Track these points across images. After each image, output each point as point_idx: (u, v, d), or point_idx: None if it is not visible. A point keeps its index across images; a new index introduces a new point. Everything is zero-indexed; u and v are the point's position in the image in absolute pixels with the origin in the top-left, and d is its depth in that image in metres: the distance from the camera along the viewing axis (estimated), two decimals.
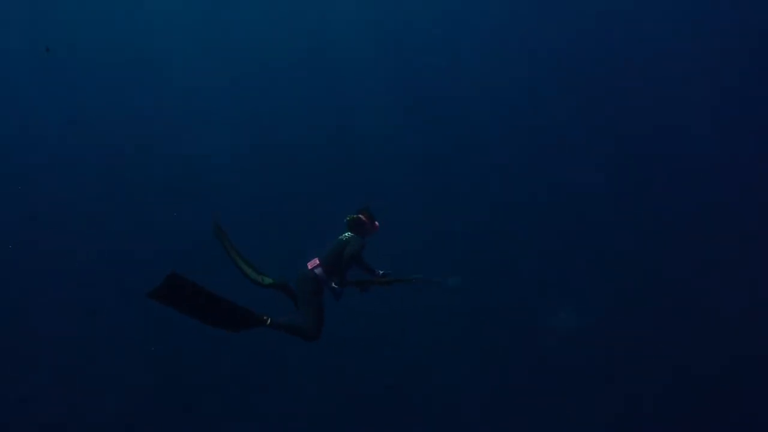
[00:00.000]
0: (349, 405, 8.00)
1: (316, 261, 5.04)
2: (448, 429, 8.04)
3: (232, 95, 10.36)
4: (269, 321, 4.73)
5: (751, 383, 7.97)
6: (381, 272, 5.18)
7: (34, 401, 7.69)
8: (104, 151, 9.63)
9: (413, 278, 5.26)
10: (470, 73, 10.49)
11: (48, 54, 9.60)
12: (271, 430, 7.86)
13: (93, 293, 8.51)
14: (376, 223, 5.36)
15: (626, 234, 9.20)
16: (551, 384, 8.14)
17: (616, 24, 10.52)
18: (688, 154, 9.64)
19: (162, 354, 8.12)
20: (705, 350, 8.18)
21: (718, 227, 9.08)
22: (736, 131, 9.76)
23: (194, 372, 7.92)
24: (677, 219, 9.24)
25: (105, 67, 10.12)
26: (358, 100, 10.29)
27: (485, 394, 8.12)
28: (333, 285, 5.01)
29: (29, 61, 9.71)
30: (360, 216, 5.25)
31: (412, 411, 8.11)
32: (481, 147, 10.00)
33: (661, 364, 8.27)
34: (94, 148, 9.58)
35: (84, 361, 8.01)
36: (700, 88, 9.86)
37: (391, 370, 8.31)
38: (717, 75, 9.98)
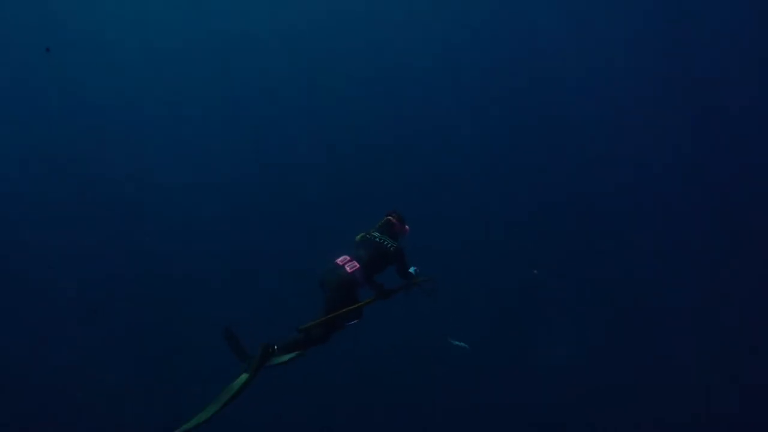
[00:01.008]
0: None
1: (355, 264, 4.87)
2: None
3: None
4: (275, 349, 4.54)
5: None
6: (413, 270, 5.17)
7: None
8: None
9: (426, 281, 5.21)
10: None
11: (48, 53, 9.59)
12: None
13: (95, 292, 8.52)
14: (407, 226, 5.39)
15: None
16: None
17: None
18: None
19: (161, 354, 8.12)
20: None
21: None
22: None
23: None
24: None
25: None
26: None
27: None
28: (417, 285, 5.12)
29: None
30: (390, 218, 5.28)
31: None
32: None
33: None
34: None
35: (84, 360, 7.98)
36: None
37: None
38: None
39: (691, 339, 8.47)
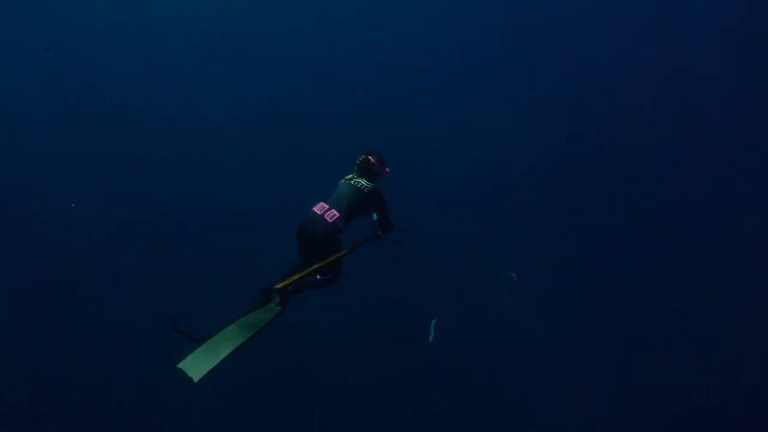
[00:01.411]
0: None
1: (334, 212, 4.71)
2: None
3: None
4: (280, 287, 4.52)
5: None
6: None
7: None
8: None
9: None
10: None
11: (48, 53, 9.45)
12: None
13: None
14: (387, 168, 5.13)
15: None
16: None
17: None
18: None
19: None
20: None
21: None
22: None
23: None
24: None
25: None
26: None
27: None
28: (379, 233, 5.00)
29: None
30: (369, 157, 5.02)
31: None
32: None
33: None
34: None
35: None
36: None
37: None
38: None
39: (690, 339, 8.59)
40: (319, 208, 4.79)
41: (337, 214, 4.73)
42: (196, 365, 4.12)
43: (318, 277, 4.77)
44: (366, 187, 4.88)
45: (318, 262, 4.65)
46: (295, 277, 4.57)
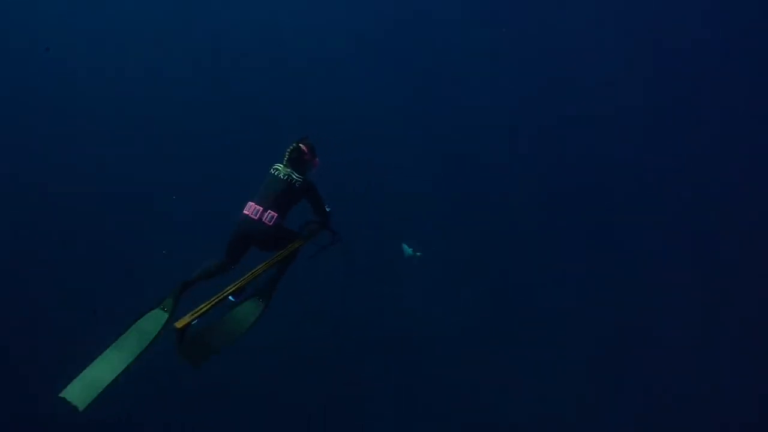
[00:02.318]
0: None
1: (272, 213, 4.60)
2: None
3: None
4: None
5: None
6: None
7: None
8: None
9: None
10: None
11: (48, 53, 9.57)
12: None
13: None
14: (317, 159, 4.94)
15: None
16: None
17: None
18: None
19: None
20: None
21: None
22: None
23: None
24: None
25: None
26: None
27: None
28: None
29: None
30: (301, 146, 4.83)
31: None
32: None
33: None
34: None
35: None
36: None
37: None
38: None
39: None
40: (252, 212, 4.64)
41: (275, 215, 4.62)
42: (81, 392, 3.72)
43: (231, 298, 4.54)
44: (297, 181, 4.71)
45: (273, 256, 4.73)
46: (204, 307, 4.19)
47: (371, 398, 8.33)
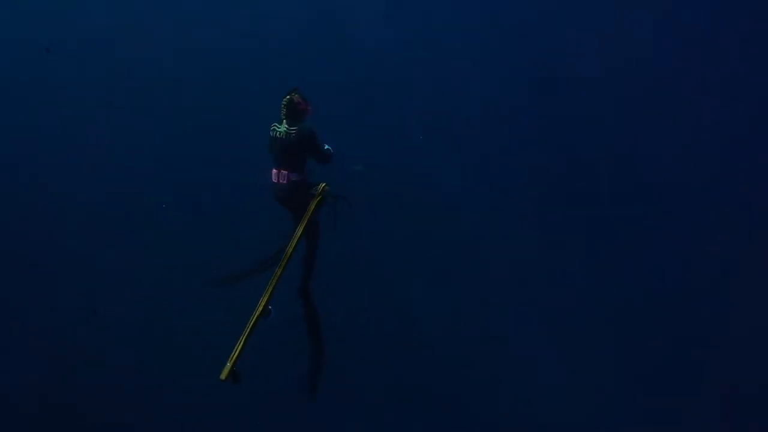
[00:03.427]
0: None
1: (282, 172, 5.04)
2: None
3: None
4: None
5: None
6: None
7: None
8: None
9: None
10: None
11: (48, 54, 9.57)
12: None
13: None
14: (309, 107, 5.22)
15: None
16: None
17: None
18: None
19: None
20: None
21: None
22: None
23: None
24: None
25: None
26: None
27: None
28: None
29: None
30: (292, 98, 5.11)
31: None
32: None
33: None
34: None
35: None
36: None
37: None
38: None
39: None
40: (274, 177, 5.09)
41: (287, 173, 5.03)
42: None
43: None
44: (291, 132, 5.01)
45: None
46: (239, 345, 4.33)
47: (371, 398, 8.32)
